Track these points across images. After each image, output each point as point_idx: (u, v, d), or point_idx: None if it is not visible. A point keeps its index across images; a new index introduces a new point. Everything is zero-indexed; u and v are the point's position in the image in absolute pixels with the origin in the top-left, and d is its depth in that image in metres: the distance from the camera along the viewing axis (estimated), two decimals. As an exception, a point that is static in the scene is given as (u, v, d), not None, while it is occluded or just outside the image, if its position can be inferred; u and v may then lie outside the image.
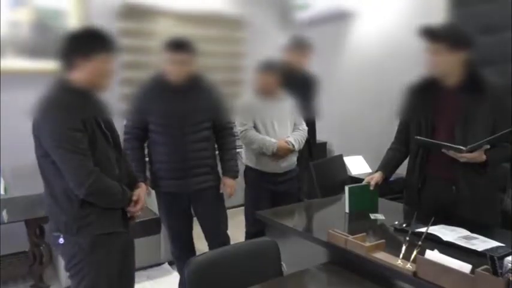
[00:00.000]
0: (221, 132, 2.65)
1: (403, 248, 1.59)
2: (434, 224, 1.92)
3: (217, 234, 2.69)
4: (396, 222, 2.02)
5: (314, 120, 3.35)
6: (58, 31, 3.48)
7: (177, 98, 2.44)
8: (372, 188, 2.23)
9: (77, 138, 1.67)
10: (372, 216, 2.19)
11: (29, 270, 3.03)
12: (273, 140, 2.83)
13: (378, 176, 2.24)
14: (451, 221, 1.95)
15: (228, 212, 2.79)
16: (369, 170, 3.29)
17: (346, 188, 2.22)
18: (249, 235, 3.08)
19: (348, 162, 3.35)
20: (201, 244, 2.75)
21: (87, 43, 1.75)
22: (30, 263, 3.02)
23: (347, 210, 2.22)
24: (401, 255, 1.58)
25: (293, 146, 2.87)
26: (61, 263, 2.88)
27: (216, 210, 2.69)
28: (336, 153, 3.75)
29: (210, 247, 2.68)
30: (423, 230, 1.79)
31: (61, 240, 1.77)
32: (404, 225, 1.99)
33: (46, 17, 3.50)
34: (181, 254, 2.67)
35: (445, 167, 2.02)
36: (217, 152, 2.70)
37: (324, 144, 4.27)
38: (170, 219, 2.63)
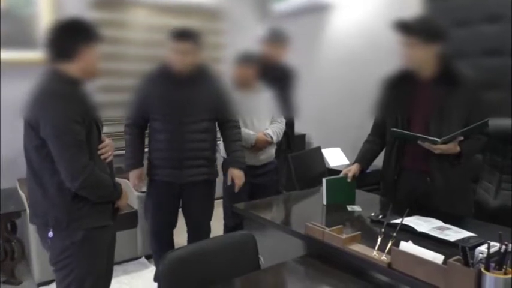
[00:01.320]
0: (225, 124, 2.65)
1: (379, 239, 1.60)
2: (409, 215, 1.94)
3: (200, 226, 2.68)
4: (372, 214, 2.03)
5: (292, 112, 3.34)
6: (29, 20, 3.38)
7: (180, 88, 2.43)
8: (349, 180, 2.24)
9: (76, 130, 1.67)
10: (349, 208, 2.20)
11: (0, 266, 2.96)
12: (252, 132, 2.82)
13: (354, 168, 2.25)
14: (426, 212, 1.98)
15: None
16: (347, 162, 3.32)
17: (324, 181, 2.23)
18: (227, 228, 3.08)
19: (326, 154, 3.37)
20: (181, 239, 2.73)
21: (84, 33, 1.75)
22: (1, 259, 2.95)
23: (324, 202, 2.23)
24: (376, 247, 1.59)
25: (271, 138, 2.87)
26: (34, 258, 2.83)
27: (205, 204, 2.68)
28: (314, 145, 3.76)
29: (191, 238, 2.67)
30: (398, 221, 1.82)
31: (50, 234, 1.74)
32: (380, 216, 2.01)
33: (17, 5, 3.38)
34: (161, 247, 2.64)
35: (420, 159, 2.05)
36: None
37: (302, 137, 4.28)
38: (158, 209, 2.61)
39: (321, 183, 2.29)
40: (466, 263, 1.30)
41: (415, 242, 1.56)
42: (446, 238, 1.75)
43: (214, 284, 1.54)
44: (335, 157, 3.41)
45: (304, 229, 1.83)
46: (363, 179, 2.50)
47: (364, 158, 2.28)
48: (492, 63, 3.06)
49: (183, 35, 2.40)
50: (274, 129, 2.90)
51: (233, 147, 2.67)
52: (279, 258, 1.84)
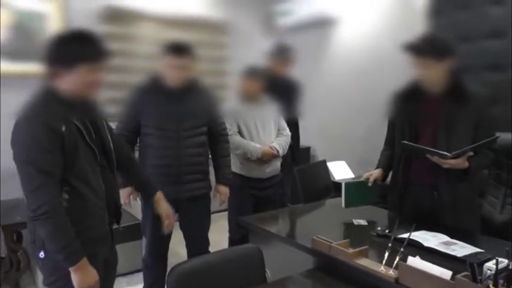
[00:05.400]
0: (216, 139, 2.62)
1: (386, 254, 1.60)
2: (416, 229, 1.94)
3: (200, 240, 2.67)
4: (379, 228, 2.04)
5: (297, 125, 3.36)
6: (39, 34, 3.43)
7: (174, 101, 2.40)
8: (370, 184, 2.23)
9: (46, 159, 1.50)
10: (355, 222, 2.21)
11: (5, 276, 2.96)
12: (258, 145, 2.83)
13: (377, 172, 2.24)
14: (432, 227, 1.98)
15: (211, 216, 2.78)
16: (352, 176, 3.32)
17: (343, 184, 2.23)
18: (232, 241, 3.07)
19: (331, 167, 3.38)
20: (182, 248, 2.72)
21: (69, 52, 1.57)
22: (7, 269, 2.95)
23: (343, 205, 2.23)
24: (383, 262, 1.59)
25: (277, 151, 2.88)
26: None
27: (203, 218, 2.66)
28: (319, 158, 3.78)
29: (190, 253, 2.66)
30: (405, 235, 1.82)
31: (41, 255, 1.62)
32: (386, 231, 2.01)
33: (26, 19, 3.43)
34: (154, 262, 2.60)
35: (428, 174, 2.05)
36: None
37: (307, 150, 4.29)
38: (155, 227, 2.56)
39: (326, 196, 2.30)
40: (474, 279, 1.30)
41: (422, 257, 1.56)
42: (453, 253, 1.75)
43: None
44: (340, 170, 3.41)
45: (311, 243, 1.84)
46: None
47: (386, 164, 2.26)
48: (494, 78, 3.08)
49: (180, 50, 2.35)
50: (280, 142, 2.92)
51: (222, 162, 2.65)
52: (286, 272, 1.84)
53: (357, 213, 2.29)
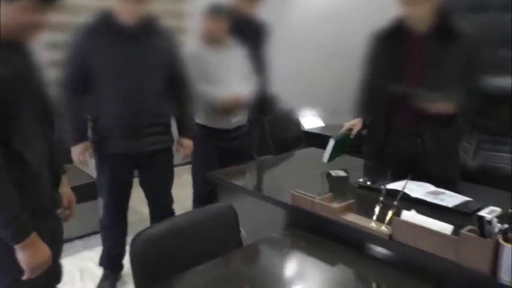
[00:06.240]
0: (177, 87, 2.31)
1: (377, 208, 1.44)
2: (398, 179, 1.81)
3: (162, 198, 2.45)
4: (360, 180, 1.88)
5: (265, 71, 3.11)
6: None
7: (130, 42, 2.08)
8: (352, 137, 2.09)
9: None
10: (333, 173, 2.04)
11: None
12: (223, 93, 2.57)
13: (359, 123, 2.08)
14: (416, 176, 1.84)
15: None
16: (323, 124, 3.16)
17: (332, 141, 2.05)
18: (197, 197, 2.88)
19: (301, 116, 3.19)
20: (144, 206, 2.49)
21: None
22: None
23: (325, 161, 2.07)
24: (374, 217, 1.44)
25: (245, 99, 2.64)
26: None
27: (166, 174, 2.42)
28: (288, 107, 3.56)
29: (153, 212, 2.44)
30: (392, 186, 1.67)
31: None
32: (368, 182, 1.86)
33: None
34: (113, 223, 2.37)
35: (411, 120, 1.89)
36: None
37: (275, 98, 4.05)
38: (112, 185, 2.29)
39: (296, 147, 2.12)
40: (482, 234, 1.16)
41: (407, 209, 1.42)
42: (443, 204, 1.63)
43: (193, 264, 1.33)
44: (310, 119, 3.24)
45: (291, 198, 1.65)
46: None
47: (364, 112, 2.09)
48: (478, 20, 2.92)
49: None
50: (247, 90, 2.67)
51: (185, 113, 2.40)
52: (262, 231, 1.66)
53: (332, 163, 2.13)
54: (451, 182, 1.88)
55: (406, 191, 1.70)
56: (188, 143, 2.42)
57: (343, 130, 2.11)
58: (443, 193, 1.74)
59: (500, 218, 1.48)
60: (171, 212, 2.48)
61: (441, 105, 1.78)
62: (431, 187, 1.80)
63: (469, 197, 1.70)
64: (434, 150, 1.92)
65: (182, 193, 2.81)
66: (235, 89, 2.62)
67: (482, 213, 1.53)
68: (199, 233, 1.49)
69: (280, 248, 1.53)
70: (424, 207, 1.57)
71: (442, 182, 1.82)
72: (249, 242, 1.64)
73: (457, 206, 1.61)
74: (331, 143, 2.03)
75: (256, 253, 1.51)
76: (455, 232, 1.26)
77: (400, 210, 1.41)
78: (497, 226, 1.15)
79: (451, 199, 1.67)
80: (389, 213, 1.40)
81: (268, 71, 3.12)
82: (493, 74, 2.42)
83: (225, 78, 2.62)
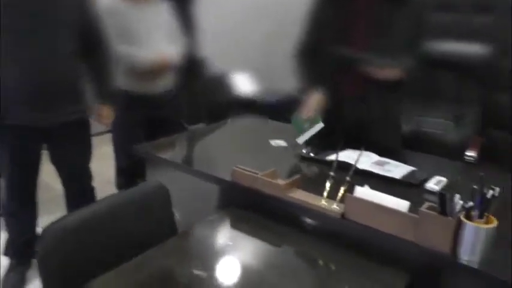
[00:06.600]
0: (91, 47, 1.99)
1: (327, 184, 1.31)
2: (340, 149, 1.71)
3: (78, 176, 2.15)
4: (304, 151, 1.75)
5: (193, 31, 2.83)
6: None
7: None
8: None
9: None
10: (273, 143, 1.89)
11: None
12: (146, 53, 2.28)
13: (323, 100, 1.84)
14: (358, 145, 1.74)
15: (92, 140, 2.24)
16: (255, 89, 2.98)
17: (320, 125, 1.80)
18: (120, 171, 2.60)
19: (233, 80, 2.98)
20: (57, 182, 2.17)
21: None
22: None
23: (300, 142, 1.84)
24: (325, 194, 1.31)
25: (171, 60, 2.37)
26: None
27: (81, 149, 2.11)
28: (220, 71, 3.32)
29: (68, 192, 2.15)
30: (337, 158, 1.56)
31: None
32: (312, 153, 1.73)
33: None
34: (18, 209, 2.04)
35: (358, 86, 1.77)
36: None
37: (205, 61, 3.77)
38: (14, 163, 1.94)
39: (230, 114, 1.93)
40: (443, 212, 1.07)
41: (357, 183, 1.31)
42: (390, 175, 1.55)
43: (119, 261, 1.12)
44: (243, 83, 3.04)
45: (231, 175, 1.47)
46: (275, 107, 2.22)
47: (314, 79, 1.86)
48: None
49: None
50: (173, 50, 2.39)
51: (102, 77, 2.10)
52: (199, 213, 1.48)
53: (270, 131, 1.98)
54: (394, 150, 1.81)
55: (352, 162, 1.60)
56: (107, 111, 2.12)
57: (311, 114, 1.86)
58: (387, 163, 1.67)
59: (448, 189, 1.45)
60: (90, 190, 2.20)
61: (389, 71, 1.67)
62: (375, 156, 1.72)
63: (410, 165, 1.64)
64: (379, 117, 1.83)
65: (102, 167, 2.51)
66: (162, 49, 2.34)
67: (430, 184, 1.48)
68: (125, 221, 1.27)
69: (219, 233, 1.36)
70: (369, 179, 1.48)
71: (385, 150, 1.74)
72: (185, 225, 1.45)
73: (404, 177, 1.54)
74: (319, 127, 1.81)
75: (192, 241, 1.32)
76: (412, 209, 1.17)
77: (352, 186, 1.29)
78: (459, 203, 1.07)
79: (397, 169, 1.60)
80: (342, 190, 1.27)
81: (196, 31, 2.85)
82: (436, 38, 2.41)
83: (149, 37, 2.32)
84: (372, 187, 1.32)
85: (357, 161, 1.35)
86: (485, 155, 2.23)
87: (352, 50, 1.69)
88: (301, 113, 1.81)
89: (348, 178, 1.28)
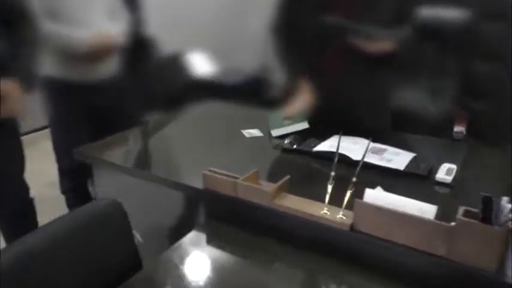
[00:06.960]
0: (17, 21, 1.63)
1: (329, 188, 1.04)
2: (328, 136, 1.47)
3: (7, 191, 1.76)
4: (285, 142, 1.47)
5: (138, 8, 2.46)
6: None
7: None
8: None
9: None
10: (246, 133, 1.61)
11: None
12: (82, 33, 1.90)
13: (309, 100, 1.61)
14: (346, 129, 1.49)
15: (27, 138, 1.88)
16: (213, 69, 2.67)
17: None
18: (63, 173, 2.23)
19: (187, 61, 2.64)
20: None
21: None
22: None
23: (274, 135, 1.60)
24: (326, 200, 1.04)
25: (114, 40, 2.00)
26: None
27: (10, 155, 1.73)
28: (170, 51, 2.97)
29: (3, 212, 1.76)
30: (322, 148, 1.32)
31: None
32: (295, 145, 1.46)
33: None
34: None
35: (342, 61, 1.51)
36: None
37: (153, 41, 3.38)
38: None
39: (187, 100, 1.84)
40: (487, 220, 0.84)
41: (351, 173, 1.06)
42: (394, 166, 1.31)
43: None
44: (200, 64, 2.71)
45: (202, 181, 1.17)
46: (243, 90, 1.96)
47: (284, 56, 1.64)
48: None
49: None
50: (116, 29, 2.03)
51: (23, 63, 1.68)
52: (163, 231, 1.18)
53: (239, 119, 1.70)
54: (384, 132, 1.59)
55: (345, 152, 1.35)
56: (13, 89, 1.61)
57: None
58: (385, 150, 1.43)
59: (461, 179, 1.24)
60: (28, 203, 1.84)
61: (380, 43, 1.42)
62: (367, 142, 1.48)
63: (401, 148, 1.43)
64: (367, 96, 1.59)
65: (43, 166, 2.13)
66: (101, 28, 1.96)
67: (440, 174, 1.26)
68: (79, 247, 0.96)
69: (194, 262, 1.06)
70: (364, 170, 1.23)
71: (374, 133, 1.51)
72: (148, 247, 1.15)
73: (408, 167, 1.31)
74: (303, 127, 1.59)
75: (160, 279, 1.01)
76: (439, 215, 0.93)
77: (358, 187, 1.03)
78: (507, 207, 0.84)
79: (397, 158, 1.37)
80: (348, 194, 1.01)
81: (141, 7, 2.48)
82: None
83: (85, 14, 1.94)
84: (372, 180, 1.08)
85: (363, 156, 1.09)
86: (469, 129, 2.10)
87: (339, 20, 1.42)
88: (283, 110, 1.56)
89: (354, 179, 1.02)
